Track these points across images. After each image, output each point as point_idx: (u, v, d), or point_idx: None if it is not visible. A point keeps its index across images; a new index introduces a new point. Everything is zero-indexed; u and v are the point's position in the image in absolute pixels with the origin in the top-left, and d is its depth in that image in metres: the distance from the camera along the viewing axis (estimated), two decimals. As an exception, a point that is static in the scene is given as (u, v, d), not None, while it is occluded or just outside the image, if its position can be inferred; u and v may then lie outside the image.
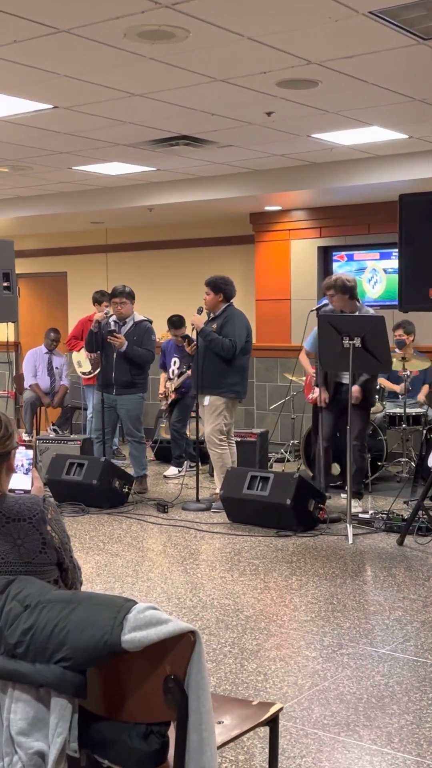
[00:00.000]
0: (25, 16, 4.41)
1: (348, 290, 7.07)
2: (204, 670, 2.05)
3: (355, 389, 6.88)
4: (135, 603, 2.08)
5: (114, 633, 2.03)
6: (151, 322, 8.06)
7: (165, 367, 9.31)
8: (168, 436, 9.53)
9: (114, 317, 7.98)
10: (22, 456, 2.69)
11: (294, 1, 4.22)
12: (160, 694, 2.04)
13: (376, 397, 7.69)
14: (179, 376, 9.06)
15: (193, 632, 2.04)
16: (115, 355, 7.83)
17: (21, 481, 2.66)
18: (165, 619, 2.05)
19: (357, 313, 7.03)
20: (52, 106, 6.17)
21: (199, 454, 8.01)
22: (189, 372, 8.47)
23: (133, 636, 2.02)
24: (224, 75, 5.43)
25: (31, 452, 2.72)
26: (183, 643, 2.03)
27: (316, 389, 7.37)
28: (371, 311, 7.20)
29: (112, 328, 7.88)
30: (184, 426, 9.08)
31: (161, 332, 9.34)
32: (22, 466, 2.69)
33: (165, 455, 9.55)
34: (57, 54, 5.00)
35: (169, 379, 9.23)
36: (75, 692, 2.08)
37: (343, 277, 7.23)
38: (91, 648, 2.04)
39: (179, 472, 8.86)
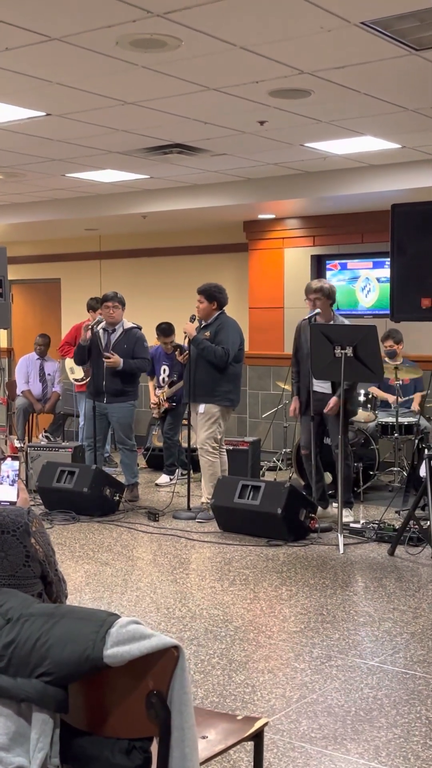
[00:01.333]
0: (17, 24, 4.40)
1: (332, 297, 7.20)
2: (187, 686, 2.04)
3: (333, 400, 6.92)
4: (118, 617, 2.07)
5: (96, 648, 2.01)
6: (140, 328, 8.04)
7: (153, 374, 9.25)
8: (160, 444, 9.51)
9: (104, 324, 7.95)
10: (8, 467, 2.67)
11: (286, 11, 4.22)
12: (143, 710, 2.02)
13: (358, 402, 7.73)
14: (170, 385, 9.03)
15: (176, 647, 2.02)
16: (105, 363, 7.81)
17: (6, 492, 2.64)
18: (148, 634, 2.03)
19: (332, 322, 7.09)
20: (45, 114, 6.16)
21: (190, 462, 8.00)
22: (181, 383, 8.46)
23: (115, 651, 2.01)
24: (217, 84, 5.43)
25: (17, 463, 2.70)
26: (166, 658, 2.02)
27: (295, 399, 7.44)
28: (345, 321, 7.27)
29: (101, 336, 7.86)
30: (176, 434, 9.07)
31: (152, 339, 9.33)
32: (8, 477, 2.68)
33: (157, 463, 9.53)
34: (50, 62, 5.00)
35: (159, 386, 9.20)
36: (57, 707, 2.06)
37: (328, 284, 7.34)
38: (73, 663, 2.02)
39: (171, 480, 8.84)
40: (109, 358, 7.70)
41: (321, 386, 7.11)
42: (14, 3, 4.12)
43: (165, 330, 9.14)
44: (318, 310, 7.46)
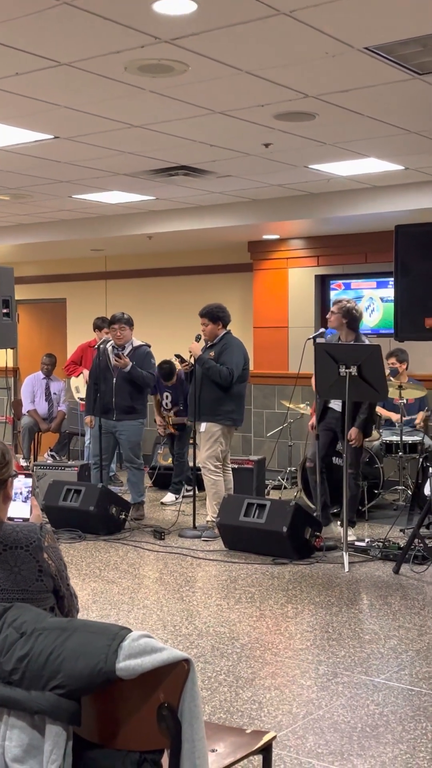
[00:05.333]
0: (27, 50, 4.49)
1: (348, 316, 7.09)
2: (198, 698, 2.07)
3: (353, 432, 6.90)
4: (129, 631, 2.11)
5: (109, 661, 2.04)
6: (149, 346, 8.11)
7: (155, 392, 9.24)
8: (165, 463, 9.56)
9: (111, 343, 8.03)
10: (21, 484, 2.72)
11: (291, 36, 4.30)
12: (154, 722, 2.06)
13: (373, 426, 7.73)
14: (176, 414, 9.05)
15: (187, 660, 2.06)
16: (115, 380, 7.87)
17: (20, 509, 2.69)
18: (159, 647, 2.07)
19: (351, 341, 7.09)
20: (53, 137, 6.25)
21: (196, 481, 8.04)
22: (186, 420, 8.53)
23: (127, 664, 2.04)
24: (223, 107, 5.52)
25: (30, 480, 2.75)
26: (177, 671, 2.05)
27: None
28: (367, 342, 7.25)
29: (110, 353, 7.93)
30: (186, 452, 9.08)
31: (161, 357, 9.37)
32: (21, 494, 2.72)
33: (163, 482, 9.56)
34: (59, 86, 5.09)
35: (165, 409, 9.23)
36: (69, 719, 2.09)
37: (351, 304, 7.21)
38: (85, 676, 2.06)
39: (176, 498, 8.87)
40: (120, 358, 7.76)
41: (337, 404, 7.11)
42: (25, 29, 4.21)
43: (166, 372, 9.08)
44: (322, 330, 7.52)
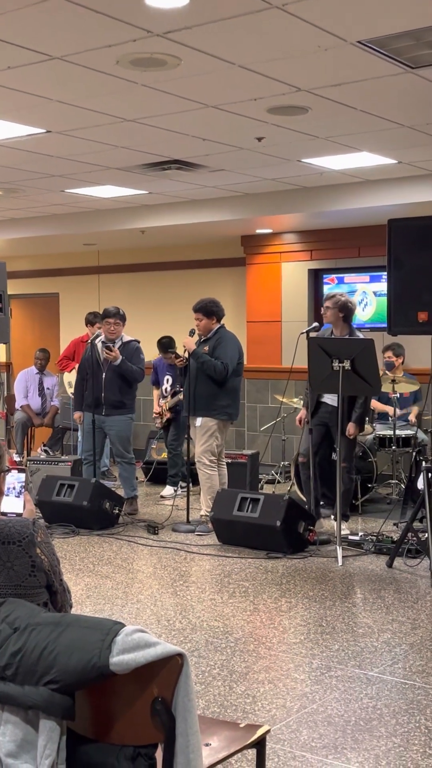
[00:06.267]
0: (19, 44, 4.47)
1: (344, 309, 7.13)
2: (191, 693, 2.07)
3: (351, 426, 6.93)
4: (123, 626, 2.11)
5: (102, 656, 2.05)
6: (138, 342, 8.11)
7: (157, 383, 9.34)
8: (158, 457, 9.56)
9: (102, 337, 8.02)
10: (14, 479, 2.71)
11: (284, 30, 4.29)
12: (148, 717, 2.06)
13: (366, 419, 7.74)
14: (173, 395, 9.09)
15: (180, 655, 2.06)
16: (104, 375, 7.87)
17: (13, 504, 2.68)
18: (153, 642, 2.07)
19: (345, 335, 7.10)
20: (45, 131, 6.23)
21: (190, 475, 8.04)
22: (181, 396, 8.51)
23: (121, 659, 2.04)
24: (215, 101, 5.51)
25: (23, 475, 2.74)
26: (171, 666, 2.05)
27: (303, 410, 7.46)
28: (360, 336, 7.25)
29: (100, 349, 7.93)
30: (180, 445, 9.09)
31: (152, 353, 9.38)
32: (14, 489, 2.71)
33: (156, 476, 9.56)
34: (50, 80, 5.07)
35: (163, 396, 9.26)
36: (63, 714, 2.09)
37: (345, 297, 7.28)
38: (79, 670, 2.06)
39: (175, 491, 8.87)
40: (111, 350, 7.76)
41: (330, 398, 7.12)
42: (16, 23, 4.19)
43: (165, 345, 9.19)
44: (315, 324, 7.51)
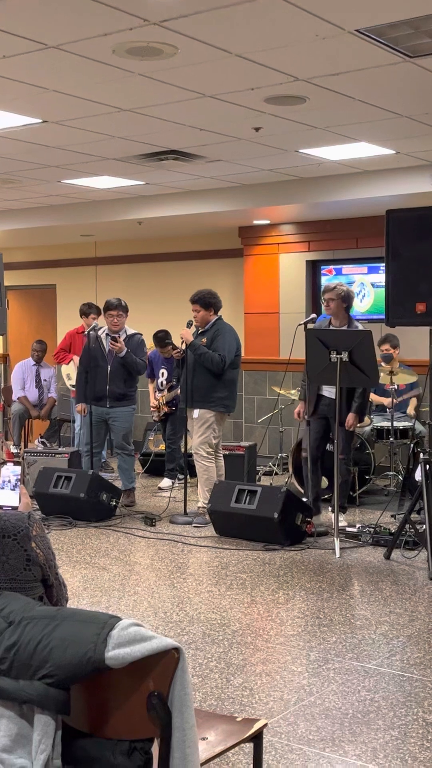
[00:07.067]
0: (14, 32, 4.44)
1: (347, 300, 7.12)
2: (188, 687, 2.06)
3: (350, 417, 6.92)
4: (119, 619, 2.09)
5: (98, 650, 2.03)
6: (142, 335, 8.11)
7: (152, 376, 9.31)
8: (156, 449, 9.54)
9: (104, 330, 8.00)
10: (10, 472, 2.69)
11: (281, 19, 4.26)
12: (144, 711, 2.05)
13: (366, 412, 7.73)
14: (169, 389, 9.07)
15: (177, 649, 2.05)
16: (109, 366, 7.85)
17: (8, 497, 2.66)
18: (149, 636, 2.05)
19: (346, 327, 7.07)
20: (41, 121, 6.19)
21: (187, 467, 8.03)
22: (178, 390, 8.49)
23: (116, 653, 2.03)
24: (212, 91, 5.47)
25: (18, 468, 2.72)
26: (167, 660, 2.04)
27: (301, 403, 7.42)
28: (360, 326, 7.22)
29: (104, 341, 7.91)
30: (179, 438, 9.06)
31: (148, 346, 9.36)
32: (10, 482, 2.69)
33: (153, 468, 9.54)
34: (46, 69, 5.03)
35: (158, 390, 9.24)
36: (58, 709, 2.08)
37: (346, 287, 7.25)
38: (74, 665, 2.05)
39: (173, 483, 8.86)
40: (116, 341, 7.74)
41: (329, 390, 7.10)
42: (11, 11, 4.15)
43: (161, 339, 9.14)
44: (313, 315, 7.49)
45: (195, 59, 4.83)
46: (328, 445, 7.45)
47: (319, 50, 4.70)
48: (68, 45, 4.61)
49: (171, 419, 9.07)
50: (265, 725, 2.59)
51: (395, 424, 8.13)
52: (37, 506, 7.65)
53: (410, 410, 8.59)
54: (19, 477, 2.67)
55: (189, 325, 7.50)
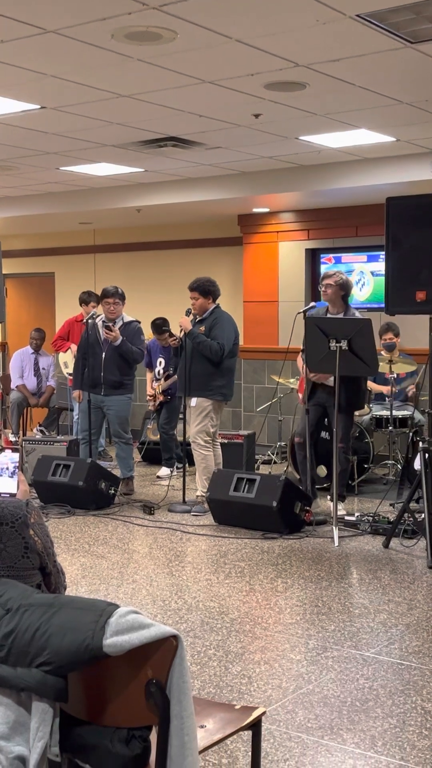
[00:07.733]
0: (12, 17, 4.40)
1: (345, 288, 7.14)
2: (186, 675, 2.05)
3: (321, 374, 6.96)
4: (117, 607, 2.08)
5: (96, 637, 2.02)
6: (139, 323, 8.07)
7: (150, 366, 9.31)
8: (154, 438, 9.53)
9: (102, 317, 7.98)
10: (8, 459, 2.68)
11: (282, 4, 4.22)
12: (142, 699, 2.04)
13: (366, 401, 7.72)
14: (166, 378, 9.05)
15: (175, 636, 2.03)
16: (104, 354, 7.83)
17: (7, 484, 2.65)
18: (147, 624, 2.04)
19: (342, 314, 7.06)
20: (39, 107, 6.15)
21: (185, 456, 8.02)
22: (176, 376, 8.47)
23: (114, 640, 2.02)
24: (212, 77, 5.43)
25: (17, 455, 2.71)
26: (165, 648, 2.03)
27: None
28: (358, 315, 7.21)
29: (100, 329, 7.88)
30: (172, 428, 9.07)
31: (146, 334, 9.34)
32: (8, 469, 2.68)
33: (152, 457, 9.54)
34: (44, 54, 4.99)
35: (156, 379, 9.23)
36: (56, 696, 2.07)
37: (345, 275, 7.28)
38: (72, 652, 2.04)
39: (171, 472, 8.85)
40: (111, 330, 7.72)
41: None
42: (9, -5, 4.11)
43: (159, 326, 9.13)
44: (312, 304, 7.47)
45: (194, 44, 4.79)
46: (324, 432, 7.45)
47: (319, 36, 4.67)
48: (67, 30, 4.57)
49: (166, 407, 9.05)
50: (264, 713, 2.58)
51: (394, 412, 8.12)
52: (35, 494, 7.64)
53: (411, 390, 8.54)
54: (17, 464, 2.65)
55: (188, 313, 7.47)
